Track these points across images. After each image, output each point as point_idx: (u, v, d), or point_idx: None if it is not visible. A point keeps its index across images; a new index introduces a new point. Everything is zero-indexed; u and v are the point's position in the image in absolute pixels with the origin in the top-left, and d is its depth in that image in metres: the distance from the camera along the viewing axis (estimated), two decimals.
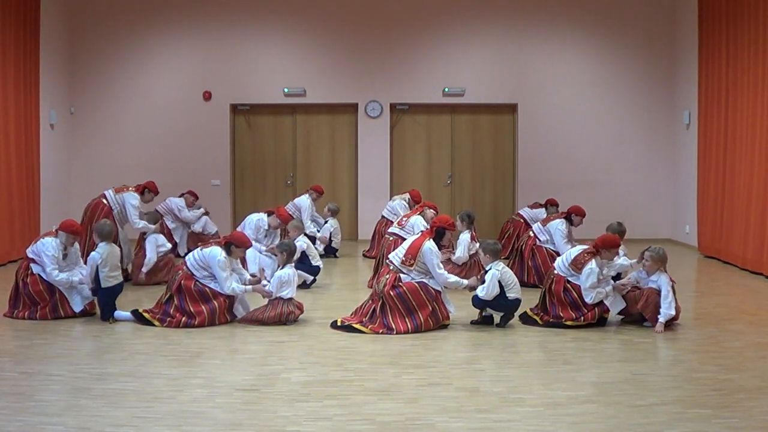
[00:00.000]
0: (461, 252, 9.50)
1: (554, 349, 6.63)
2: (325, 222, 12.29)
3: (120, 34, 14.53)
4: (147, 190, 10.20)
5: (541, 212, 11.98)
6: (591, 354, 6.52)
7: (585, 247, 7.61)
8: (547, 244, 9.69)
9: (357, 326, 7.27)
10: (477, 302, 7.51)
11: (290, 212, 12.11)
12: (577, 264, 7.41)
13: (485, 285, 7.33)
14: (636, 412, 5.00)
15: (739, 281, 10.32)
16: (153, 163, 14.24)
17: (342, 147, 14.96)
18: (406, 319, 7.22)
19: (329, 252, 12.16)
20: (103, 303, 7.62)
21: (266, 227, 9.87)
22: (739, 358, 6.38)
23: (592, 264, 7.35)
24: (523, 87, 14.64)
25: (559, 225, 9.66)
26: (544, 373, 5.89)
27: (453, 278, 7.49)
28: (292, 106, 14.83)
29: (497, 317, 7.50)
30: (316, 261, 9.72)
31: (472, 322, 7.55)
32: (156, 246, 9.76)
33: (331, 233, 12.16)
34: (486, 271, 7.47)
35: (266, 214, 9.95)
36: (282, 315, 7.46)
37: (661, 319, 7.23)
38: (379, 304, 7.31)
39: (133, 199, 9.82)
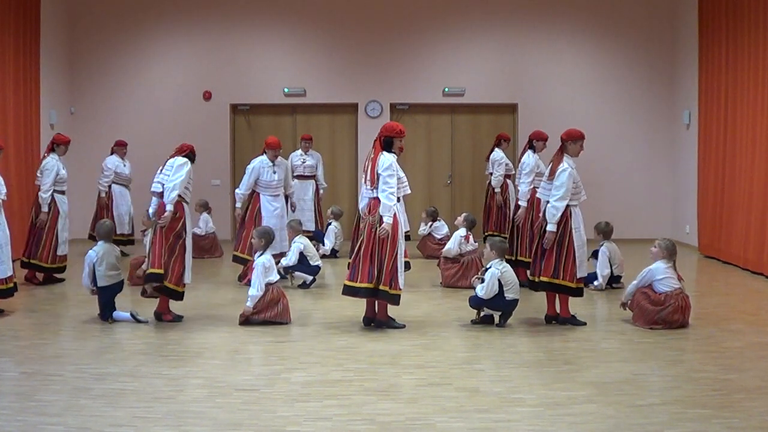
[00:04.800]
0: (451, 245, 9.66)
1: (554, 349, 6.64)
2: (329, 224, 12.35)
3: (120, 34, 14.54)
4: (56, 145, 9.86)
5: (498, 152, 11.50)
6: (591, 354, 6.52)
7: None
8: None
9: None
10: (474, 302, 7.52)
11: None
12: (553, 173, 7.44)
13: (485, 284, 7.34)
14: (636, 412, 5.00)
15: (739, 281, 10.32)
16: (153, 162, 14.18)
17: (342, 147, 14.96)
18: (370, 263, 7.11)
19: (330, 253, 12.19)
20: (103, 302, 7.62)
21: (270, 165, 9.79)
22: (739, 358, 6.38)
23: (564, 164, 7.39)
24: (523, 87, 14.64)
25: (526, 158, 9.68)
26: (544, 373, 5.89)
27: (392, 199, 7.03)
28: (292, 106, 14.84)
29: (497, 317, 7.51)
30: (315, 261, 9.73)
31: (472, 322, 7.55)
32: None
33: (335, 234, 12.26)
34: (486, 269, 7.48)
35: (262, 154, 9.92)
36: (273, 301, 7.44)
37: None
38: (360, 240, 7.23)
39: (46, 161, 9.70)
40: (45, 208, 9.51)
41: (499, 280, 7.35)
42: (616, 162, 14.55)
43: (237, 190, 9.98)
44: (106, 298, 7.63)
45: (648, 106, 14.61)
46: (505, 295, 7.38)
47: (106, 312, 7.59)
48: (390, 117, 14.62)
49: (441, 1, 14.59)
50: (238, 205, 9.90)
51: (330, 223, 12.35)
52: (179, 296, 7.70)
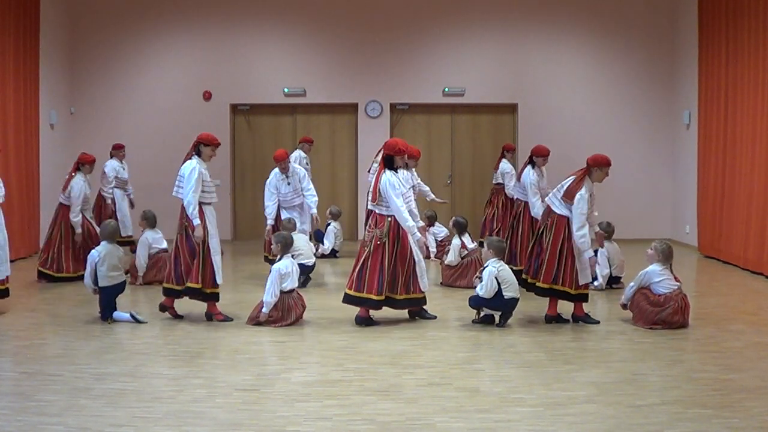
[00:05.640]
0: (451, 257, 9.74)
1: (554, 349, 6.64)
2: (328, 224, 12.34)
3: (120, 34, 14.54)
4: (81, 165, 10.11)
5: (505, 163, 11.70)
6: (591, 354, 6.52)
7: (573, 177, 7.58)
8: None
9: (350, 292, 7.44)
10: (473, 302, 7.52)
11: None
12: (570, 194, 7.41)
13: (483, 283, 7.34)
14: (636, 412, 5.00)
15: (739, 281, 10.32)
16: (153, 163, 14.24)
17: (342, 147, 14.96)
18: (380, 274, 7.24)
19: (330, 253, 12.19)
20: (104, 302, 7.62)
21: (280, 177, 9.98)
22: (739, 358, 6.38)
23: (583, 190, 7.39)
24: (523, 87, 14.64)
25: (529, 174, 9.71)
26: (544, 373, 5.89)
27: (407, 214, 7.30)
28: (292, 106, 14.84)
29: (497, 317, 7.51)
30: (304, 259, 9.38)
31: (473, 322, 7.56)
32: (148, 247, 9.75)
33: (334, 234, 12.25)
34: (484, 268, 7.48)
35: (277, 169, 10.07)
36: (284, 310, 7.43)
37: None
38: (366, 253, 7.34)
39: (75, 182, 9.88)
40: (78, 230, 9.85)
41: (496, 278, 7.35)
42: (616, 162, 14.30)
43: (266, 211, 10.06)
44: (107, 298, 7.62)
45: (648, 106, 14.61)
46: (504, 293, 7.37)
47: (107, 312, 7.59)
48: (390, 117, 14.64)
49: (441, 1, 14.59)
50: (271, 222, 9.93)
51: (329, 224, 12.34)
52: (216, 297, 7.73)
